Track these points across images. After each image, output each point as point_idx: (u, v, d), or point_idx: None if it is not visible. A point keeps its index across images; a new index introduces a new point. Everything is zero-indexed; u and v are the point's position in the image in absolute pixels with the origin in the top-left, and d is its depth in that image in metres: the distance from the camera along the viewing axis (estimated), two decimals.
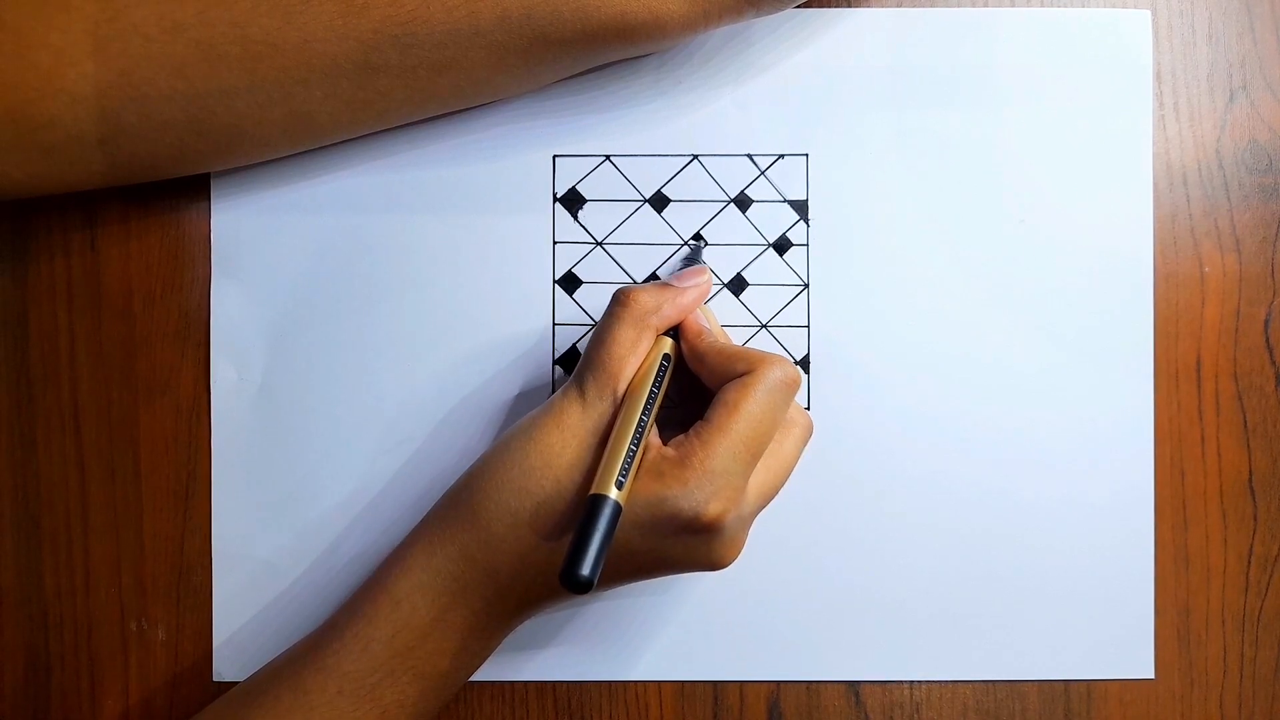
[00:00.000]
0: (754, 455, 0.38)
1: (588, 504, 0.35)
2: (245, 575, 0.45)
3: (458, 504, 0.39)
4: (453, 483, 0.41)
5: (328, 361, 0.45)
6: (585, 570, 0.34)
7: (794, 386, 0.38)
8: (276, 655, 0.42)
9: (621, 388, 0.38)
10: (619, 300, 0.39)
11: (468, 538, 0.38)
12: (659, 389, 0.39)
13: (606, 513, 0.35)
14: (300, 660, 0.39)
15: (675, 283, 0.41)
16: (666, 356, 0.40)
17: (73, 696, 0.45)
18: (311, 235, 0.45)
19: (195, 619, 0.45)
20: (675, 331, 0.41)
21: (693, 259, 0.44)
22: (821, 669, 0.45)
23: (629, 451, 0.36)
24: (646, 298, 0.39)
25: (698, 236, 0.45)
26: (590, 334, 0.41)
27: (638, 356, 0.39)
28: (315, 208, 0.45)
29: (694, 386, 0.41)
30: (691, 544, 0.37)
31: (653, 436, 0.38)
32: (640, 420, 0.37)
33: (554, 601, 0.40)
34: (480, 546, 0.38)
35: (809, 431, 0.41)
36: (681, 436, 0.38)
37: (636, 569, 0.39)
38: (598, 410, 0.38)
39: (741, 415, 0.37)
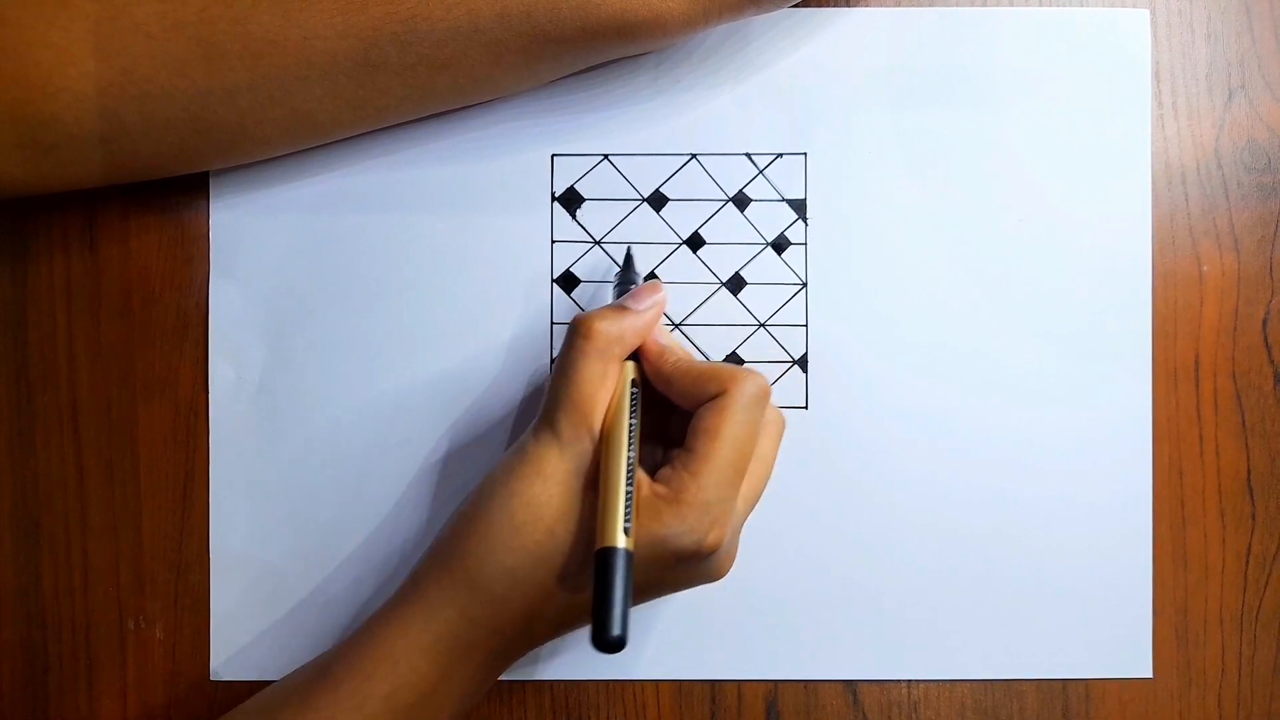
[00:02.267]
0: (740, 474, 0.37)
1: (600, 558, 0.35)
2: (243, 574, 0.45)
3: (449, 566, 0.38)
4: (437, 535, 0.40)
5: (326, 361, 0.45)
6: (616, 630, 0.33)
7: (766, 398, 0.38)
8: (258, 693, 0.41)
9: (597, 424, 0.38)
10: (580, 333, 0.38)
11: (467, 600, 0.38)
12: (635, 420, 0.38)
13: (621, 565, 0.34)
14: (293, 712, 0.38)
15: (632, 304, 0.40)
16: (634, 383, 0.39)
17: (70, 695, 0.45)
18: (310, 234, 0.45)
19: (193, 618, 0.45)
20: (636, 353, 0.40)
21: (628, 264, 0.44)
22: (819, 668, 0.45)
23: (627, 494, 0.36)
24: (609, 327, 0.38)
25: (626, 240, 0.45)
26: (554, 368, 0.40)
27: (607, 389, 0.38)
28: (314, 207, 0.45)
29: (659, 398, 0.40)
30: (693, 569, 0.38)
31: (640, 473, 0.37)
32: (628, 460, 0.36)
33: (558, 637, 0.40)
34: (482, 608, 0.37)
35: (783, 426, 0.40)
36: (668, 469, 0.37)
37: (639, 596, 0.39)
38: (576, 451, 0.37)
39: (724, 440, 0.37)
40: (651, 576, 0.37)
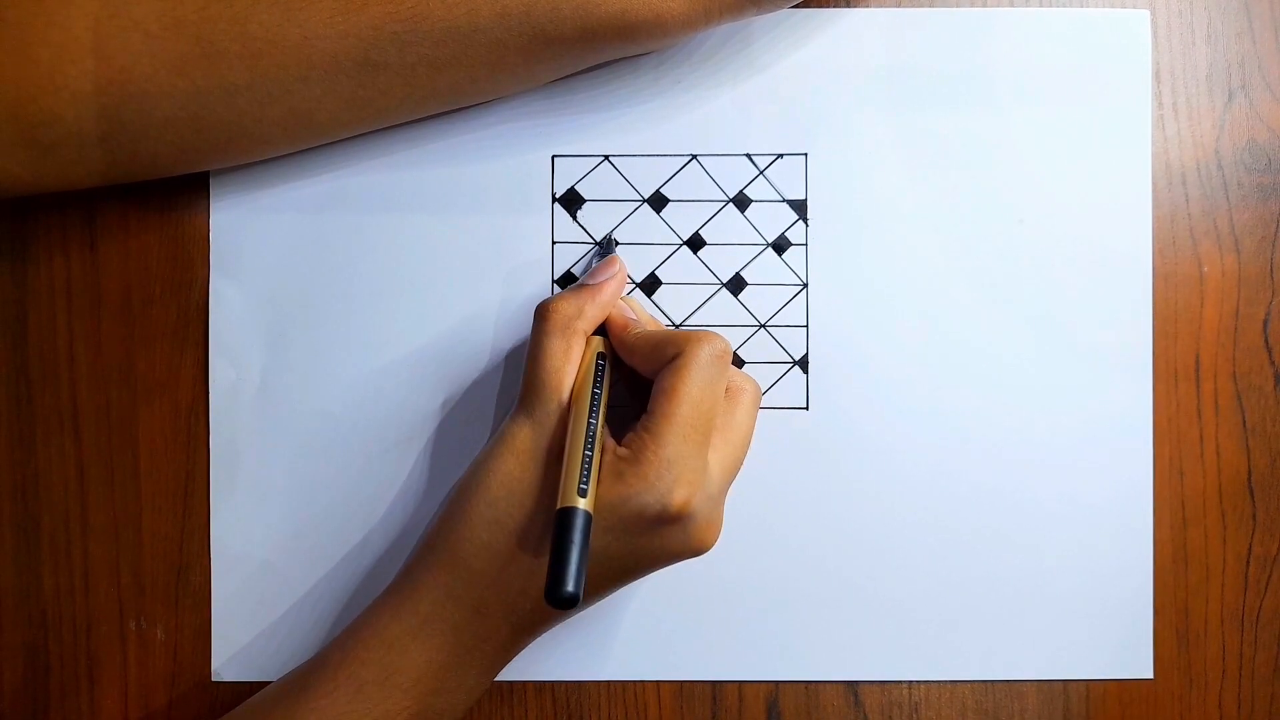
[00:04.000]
0: (704, 435, 0.38)
1: (556, 519, 0.35)
2: (244, 575, 0.45)
3: (435, 548, 0.39)
4: (427, 525, 0.41)
5: (326, 361, 0.45)
6: (569, 586, 0.34)
7: (725, 358, 0.39)
8: (260, 691, 0.42)
9: (564, 398, 0.39)
10: (541, 314, 0.40)
11: (450, 579, 0.39)
12: (601, 390, 0.39)
13: (577, 524, 0.35)
14: (292, 700, 0.39)
15: (589, 280, 0.41)
16: (601, 355, 0.40)
17: (72, 696, 0.45)
18: (311, 235, 0.45)
19: (194, 619, 0.45)
20: (605, 329, 0.41)
21: (606, 254, 0.44)
22: (820, 669, 0.45)
23: (585, 458, 0.36)
24: (566, 305, 0.40)
25: (607, 238, 0.45)
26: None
27: (573, 365, 0.39)
28: (314, 207, 0.45)
29: (640, 379, 0.41)
30: (668, 535, 0.38)
31: (608, 439, 0.38)
32: (589, 425, 0.37)
33: (547, 625, 0.40)
34: (464, 585, 0.38)
35: (758, 396, 0.41)
36: (631, 434, 0.38)
37: (621, 572, 0.39)
38: (547, 427, 0.39)
39: (681, 399, 0.37)
40: (624, 544, 0.37)
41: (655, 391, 0.38)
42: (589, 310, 0.40)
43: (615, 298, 0.41)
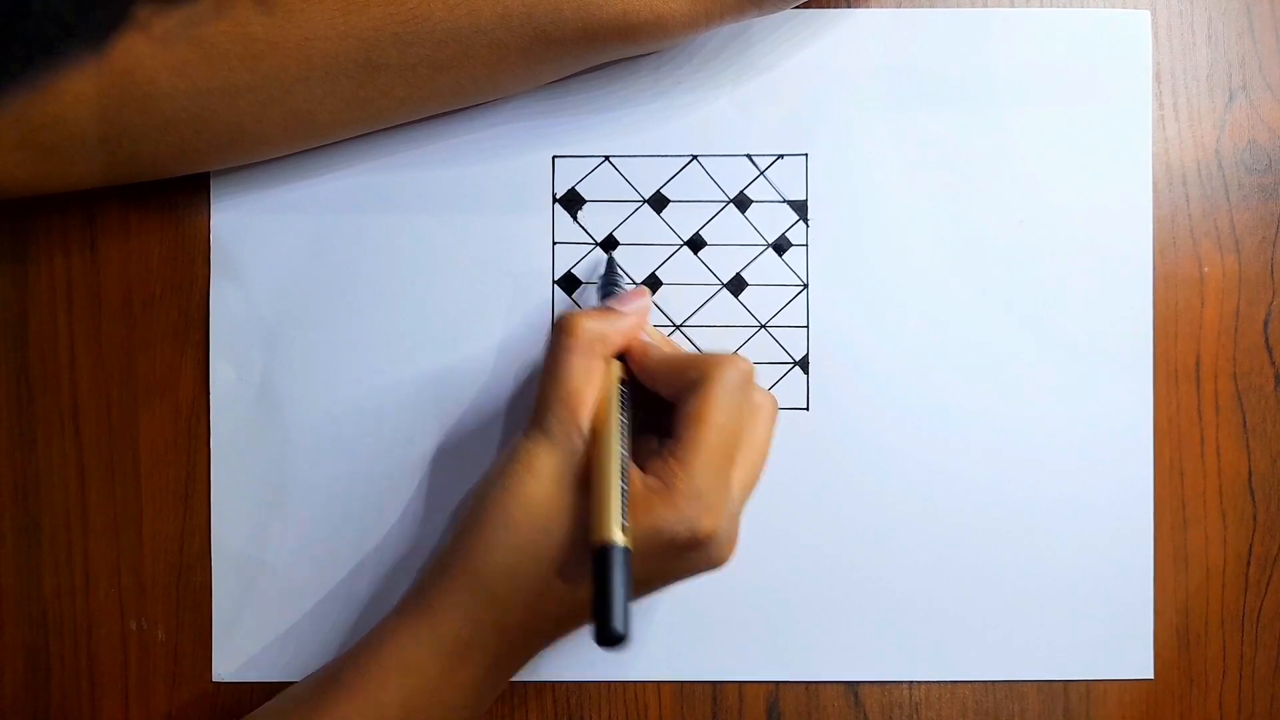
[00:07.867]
0: (730, 460, 0.38)
1: (597, 556, 0.35)
2: (244, 575, 0.45)
3: (451, 571, 0.38)
4: (439, 541, 0.41)
5: (327, 362, 0.45)
6: (619, 626, 0.33)
7: (749, 381, 0.38)
8: (265, 705, 0.41)
9: (585, 420, 0.38)
10: (565, 330, 0.39)
11: (471, 602, 0.38)
12: (625, 417, 0.38)
13: (620, 560, 0.34)
14: (306, 718, 0.38)
15: (617, 307, 0.40)
16: (623, 380, 0.39)
17: (72, 696, 0.45)
18: (311, 235, 0.45)
19: (195, 619, 0.45)
20: (623, 355, 0.41)
21: (610, 269, 0.44)
22: (820, 669, 0.45)
23: (621, 490, 0.36)
24: (592, 325, 0.39)
25: (610, 241, 0.45)
26: (542, 368, 0.40)
27: (594, 386, 0.38)
28: (315, 208, 0.45)
29: (648, 394, 0.41)
30: (691, 557, 0.37)
31: (631, 466, 0.38)
32: (620, 456, 0.37)
33: (564, 637, 0.40)
34: (486, 609, 0.38)
35: (775, 410, 0.40)
36: (659, 460, 0.37)
37: (642, 591, 0.39)
38: (567, 448, 0.38)
39: (709, 425, 0.37)
40: (650, 569, 0.37)
41: (681, 416, 0.38)
42: (613, 336, 0.39)
43: (637, 330, 0.40)
